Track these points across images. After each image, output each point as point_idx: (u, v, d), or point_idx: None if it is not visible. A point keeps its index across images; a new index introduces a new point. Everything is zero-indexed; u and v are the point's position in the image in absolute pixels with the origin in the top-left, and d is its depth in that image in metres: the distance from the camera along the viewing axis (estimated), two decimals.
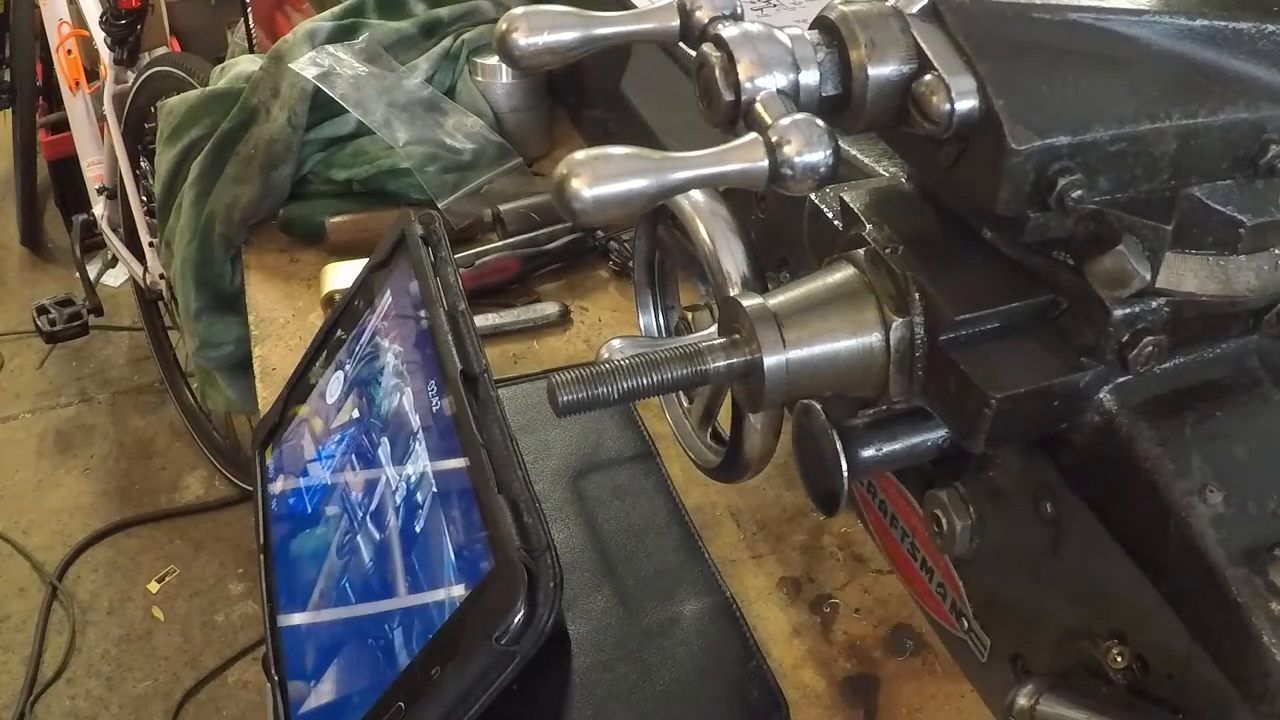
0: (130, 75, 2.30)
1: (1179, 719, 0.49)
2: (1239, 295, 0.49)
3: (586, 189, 0.41)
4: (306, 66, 1.25)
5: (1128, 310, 0.47)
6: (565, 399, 0.50)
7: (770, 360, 0.50)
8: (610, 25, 0.53)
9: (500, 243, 1.13)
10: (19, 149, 3.23)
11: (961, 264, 0.51)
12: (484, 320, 1.04)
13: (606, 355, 0.69)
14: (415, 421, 0.71)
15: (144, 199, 2.31)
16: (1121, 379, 0.50)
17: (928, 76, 0.45)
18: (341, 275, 1.07)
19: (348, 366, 0.82)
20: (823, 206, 0.60)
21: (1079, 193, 0.44)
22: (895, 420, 0.55)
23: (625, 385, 0.50)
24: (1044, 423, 0.50)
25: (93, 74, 2.70)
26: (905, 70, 0.46)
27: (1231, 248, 0.48)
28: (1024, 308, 0.49)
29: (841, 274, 0.52)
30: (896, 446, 0.55)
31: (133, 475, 2.57)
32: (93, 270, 2.99)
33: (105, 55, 2.34)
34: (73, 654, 2.17)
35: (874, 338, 0.50)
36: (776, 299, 0.51)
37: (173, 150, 1.33)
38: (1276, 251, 0.50)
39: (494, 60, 1.33)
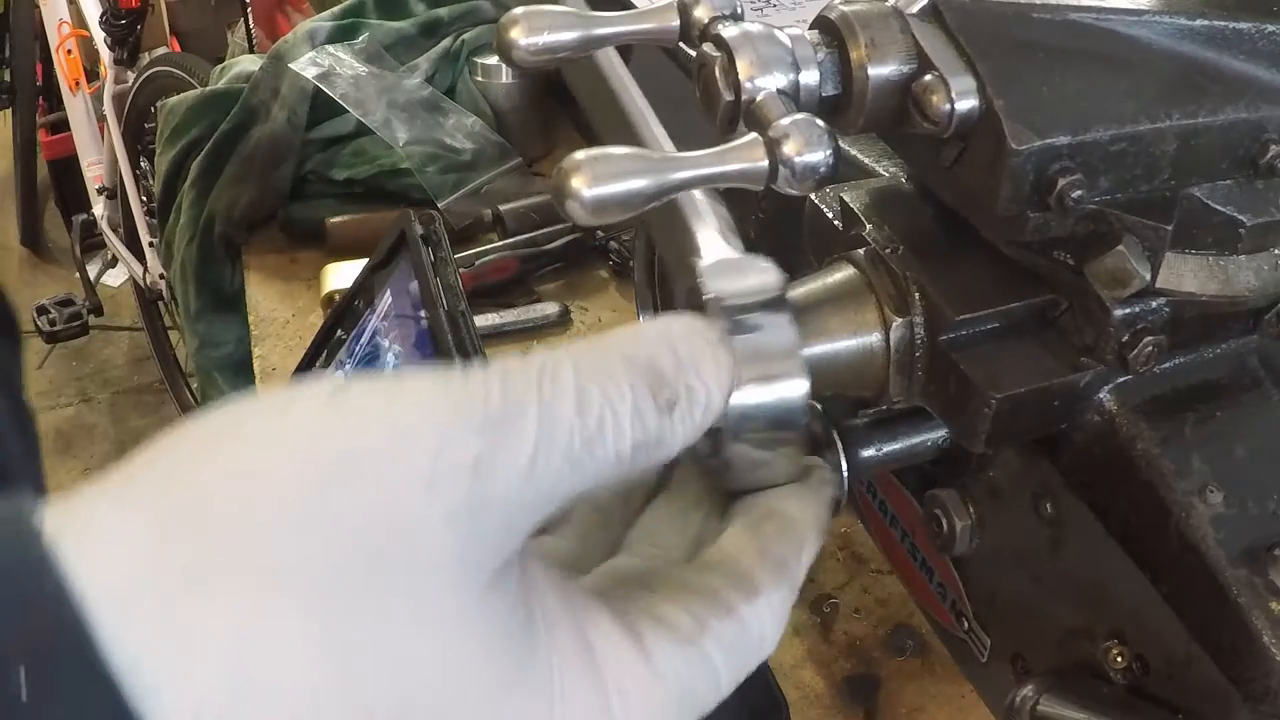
0: (130, 75, 2.30)
1: (1179, 719, 0.49)
2: (1239, 295, 0.49)
3: (586, 189, 0.41)
4: (306, 66, 1.25)
5: (1128, 310, 0.47)
6: None
7: None
8: (610, 25, 0.53)
9: (500, 243, 1.13)
10: (19, 149, 3.23)
11: (961, 264, 0.51)
12: (484, 320, 1.04)
13: None
14: None
15: (144, 199, 2.31)
16: (1121, 379, 0.50)
17: (928, 76, 0.45)
18: (341, 275, 1.07)
19: (348, 366, 0.82)
20: (823, 206, 0.60)
21: (1079, 193, 0.44)
22: (895, 420, 0.55)
23: None
24: (1044, 423, 0.50)
25: (93, 74, 2.70)
26: (905, 70, 0.46)
27: (1231, 248, 0.48)
28: (1024, 308, 0.49)
29: (841, 274, 0.52)
30: (896, 446, 0.55)
31: None
32: (93, 270, 2.99)
33: (105, 55, 2.34)
34: None
35: (874, 338, 0.50)
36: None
37: (173, 150, 1.33)
38: (1276, 251, 0.50)
39: (494, 60, 1.33)
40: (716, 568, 0.39)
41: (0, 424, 0.63)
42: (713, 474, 0.43)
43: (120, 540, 0.29)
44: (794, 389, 0.41)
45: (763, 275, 0.43)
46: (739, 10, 0.50)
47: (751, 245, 0.46)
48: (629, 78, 0.39)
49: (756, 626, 0.38)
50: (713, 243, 0.44)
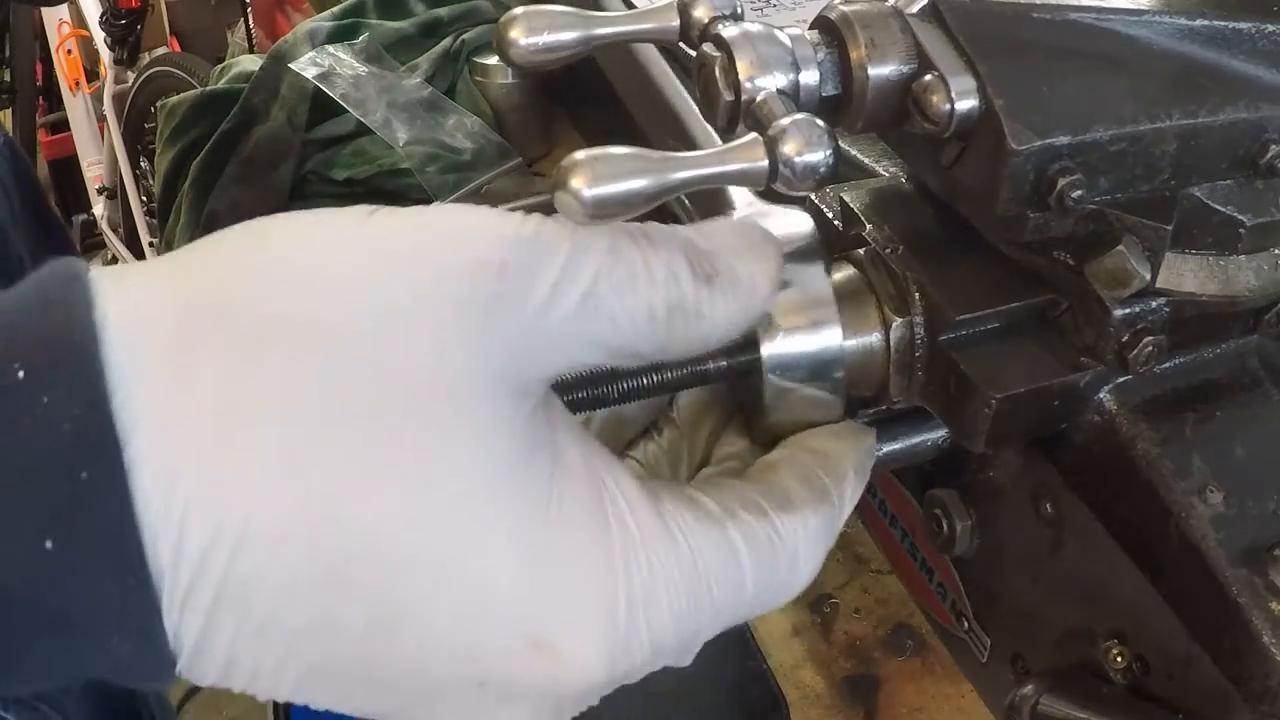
0: (130, 75, 2.31)
1: (1179, 719, 0.49)
2: (1239, 295, 0.49)
3: (586, 189, 0.41)
4: (306, 66, 1.25)
5: (1128, 310, 0.47)
6: (564, 399, 0.50)
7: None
8: (610, 25, 0.53)
9: None
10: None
11: (961, 264, 0.51)
12: None
13: None
14: None
15: (144, 199, 2.31)
16: (1121, 379, 0.50)
17: (928, 76, 0.45)
18: None
19: None
20: (823, 206, 0.60)
21: (1079, 193, 0.44)
22: (895, 420, 0.55)
23: (625, 385, 0.49)
24: (1044, 423, 0.50)
25: (93, 74, 2.70)
26: (905, 70, 0.46)
27: (1231, 248, 0.48)
28: (1024, 308, 0.49)
29: (841, 274, 0.52)
30: (896, 446, 0.55)
31: None
32: None
33: (105, 55, 2.35)
34: None
35: (874, 338, 0.50)
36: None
37: (173, 150, 1.33)
38: (1276, 251, 0.50)
39: (494, 60, 1.33)
40: (753, 481, 0.40)
41: None
42: (761, 421, 0.43)
43: (145, 285, 0.32)
44: (830, 336, 0.42)
45: (794, 225, 0.43)
46: (739, 10, 0.50)
47: None
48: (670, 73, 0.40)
49: (790, 539, 0.37)
50: (744, 194, 0.45)
